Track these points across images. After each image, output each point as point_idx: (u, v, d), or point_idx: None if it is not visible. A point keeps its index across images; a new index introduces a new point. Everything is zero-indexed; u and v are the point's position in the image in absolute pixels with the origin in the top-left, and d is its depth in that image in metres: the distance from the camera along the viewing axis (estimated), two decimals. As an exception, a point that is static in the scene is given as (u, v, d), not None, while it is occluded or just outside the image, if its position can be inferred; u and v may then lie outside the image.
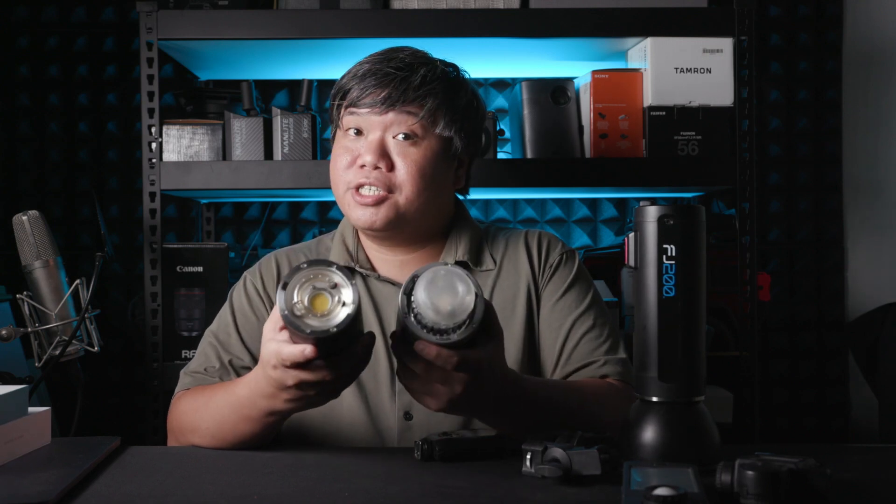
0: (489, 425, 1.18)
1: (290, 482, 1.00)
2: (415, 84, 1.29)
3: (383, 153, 1.30)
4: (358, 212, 1.31)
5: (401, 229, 1.33)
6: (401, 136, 1.30)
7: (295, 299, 0.96)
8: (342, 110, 1.34)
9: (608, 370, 1.32)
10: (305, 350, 0.98)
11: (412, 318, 0.99)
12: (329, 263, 0.97)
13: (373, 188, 1.29)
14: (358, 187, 1.30)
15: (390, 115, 1.29)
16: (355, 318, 0.96)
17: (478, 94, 1.40)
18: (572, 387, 1.28)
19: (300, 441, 1.32)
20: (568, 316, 1.36)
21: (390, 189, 1.30)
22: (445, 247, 1.39)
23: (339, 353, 1.01)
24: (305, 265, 0.96)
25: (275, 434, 1.20)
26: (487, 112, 1.99)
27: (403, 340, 1.04)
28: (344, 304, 0.96)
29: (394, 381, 1.32)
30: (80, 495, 0.94)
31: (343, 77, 1.35)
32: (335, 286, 0.96)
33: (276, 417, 1.13)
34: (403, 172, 1.30)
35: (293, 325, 0.95)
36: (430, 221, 1.37)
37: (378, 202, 1.29)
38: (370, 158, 1.29)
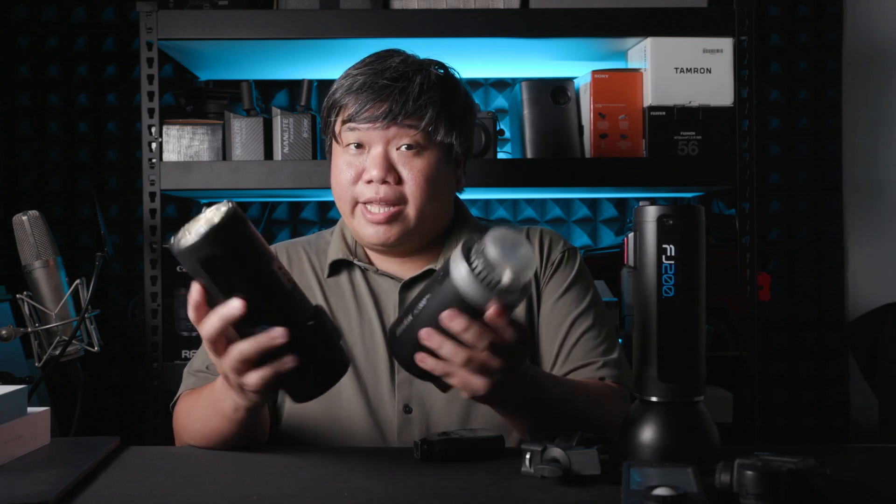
0: (507, 418, 1.17)
1: (290, 482, 1.00)
2: (414, 95, 1.28)
3: (389, 167, 1.29)
4: (370, 230, 1.30)
5: (410, 239, 1.33)
6: (404, 148, 1.29)
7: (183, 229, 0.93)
8: (339, 125, 1.32)
9: (605, 372, 1.32)
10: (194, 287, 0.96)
11: (481, 281, 0.94)
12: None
13: (382, 206, 1.29)
14: (367, 203, 1.30)
15: (392, 129, 1.28)
16: (226, 230, 0.91)
17: (468, 91, 1.40)
18: (579, 386, 1.28)
19: (299, 436, 1.31)
20: (568, 315, 1.36)
21: (400, 201, 1.29)
22: (445, 245, 1.39)
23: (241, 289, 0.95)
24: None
25: (254, 433, 1.17)
26: (487, 112, 2.00)
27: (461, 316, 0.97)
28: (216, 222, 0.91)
29: (393, 374, 1.32)
30: (79, 495, 0.94)
31: (335, 91, 1.33)
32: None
33: (242, 413, 1.09)
34: (412, 184, 1.29)
35: (172, 250, 0.93)
36: (435, 226, 1.37)
37: (389, 219, 1.29)
38: (377, 173, 1.28)
